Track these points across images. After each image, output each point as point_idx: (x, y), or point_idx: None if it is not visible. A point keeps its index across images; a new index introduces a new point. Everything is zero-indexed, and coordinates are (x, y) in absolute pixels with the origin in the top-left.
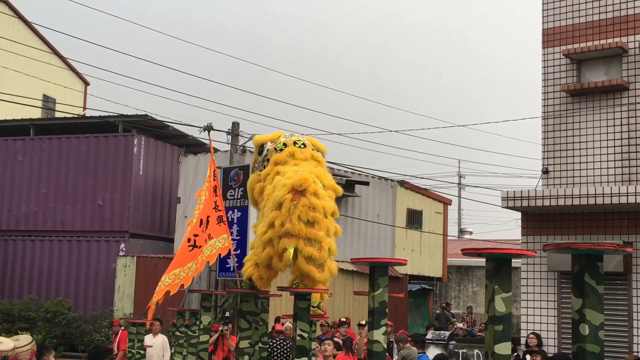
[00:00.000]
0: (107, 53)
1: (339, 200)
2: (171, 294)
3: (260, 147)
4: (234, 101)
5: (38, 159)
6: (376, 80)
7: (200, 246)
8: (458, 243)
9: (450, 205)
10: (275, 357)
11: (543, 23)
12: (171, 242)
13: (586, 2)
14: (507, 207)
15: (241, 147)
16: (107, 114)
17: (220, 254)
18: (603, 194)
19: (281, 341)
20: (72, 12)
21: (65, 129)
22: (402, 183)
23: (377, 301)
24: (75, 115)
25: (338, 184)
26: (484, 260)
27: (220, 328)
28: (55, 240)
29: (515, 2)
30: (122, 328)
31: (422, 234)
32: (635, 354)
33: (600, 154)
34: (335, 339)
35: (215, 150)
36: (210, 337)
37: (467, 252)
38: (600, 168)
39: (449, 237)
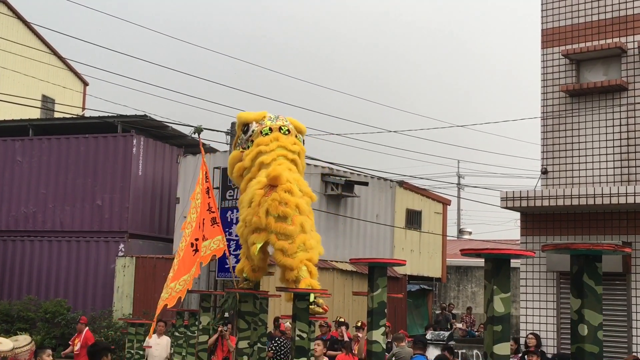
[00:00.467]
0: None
1: (338, 200)
2: (181, 300)
3: (245, 126)
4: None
5: (37, 160)
6: (375, 80)
7: (196, 250)
8: (457, 243)
9: (449, 205)
10: (280, 357)
11: (542, 23)
12: (170, 242)
13: (585, 3)
14: (506, 208)
15: None
16: (106, 114)
17: (215, 255)
18: (602, 194)
19: (285, 341)
20: (71, 13)
21: (65, 129)
22: (401, 183)
23: (376, 301)
24: (74, 116)
25: (337, 184)
26: (483, 260)
27: (219, 328)
28: (55, 240)
29: (514, 3)
30: (87, 328)
31: (421, 234)
32: (634, 354)
33: (600, 155)
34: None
35: (214, 150)
36: (210, 337)
37: (466, 253)
38: (600, 168)
39: (448, 238)
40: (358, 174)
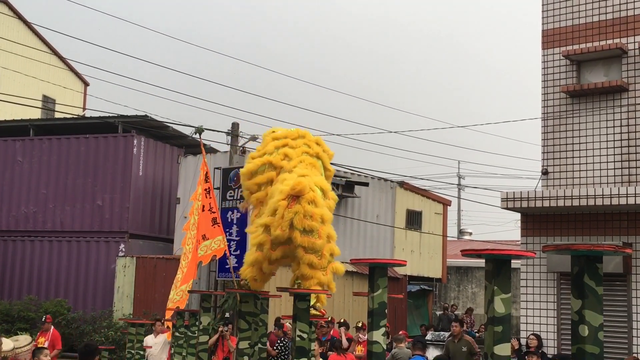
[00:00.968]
0: (107, 53)
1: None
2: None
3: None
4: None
5: (38, 160)
6: (376, 81)
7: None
8: (457, 244)
9: (449, 206)
10: (285, 357)
11: (543, 24)
12: (171, 242)
13: (586, 3)
14: (507, 208)
15: (241, 148)
16: (106, 114)
17: (215, 255)
18: (603, 195)
19: (288, 342)
20: (71, 13)
21: (65, 129)
22: (402, 184)
23: (377, 302)
24: (74, 116)
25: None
26: (484, 261)
27: (220, 329)
28: (55, 240)
29: (515, 3)
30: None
31: (422, 235)
32: (635, 355)
33: (600, 155)
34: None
35: (215, 150)
36: (210, 337)
37: (466, 253)
38: (600, 169)
39: (448, 238)
40: (358, 175)
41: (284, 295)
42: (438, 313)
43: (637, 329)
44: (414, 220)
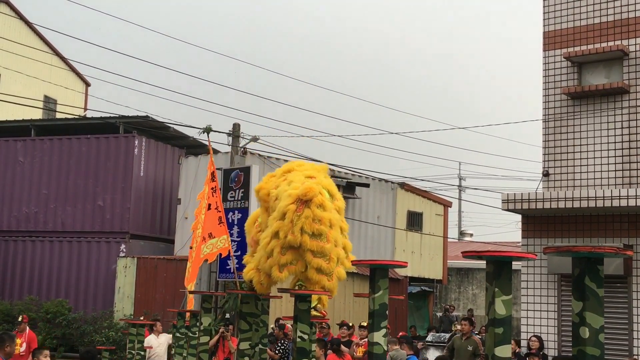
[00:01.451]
0: (108, 54)
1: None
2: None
3: None
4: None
5: (39, 160)
6: (377, 81)
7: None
8: (458, 245)
9: (450, 207)
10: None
11: (544, 26)
12: (171, 243)
13: (587, 5)
14: (508, 210)
15: (242, 149)
16: (108, 115)
17: (220, 254)
18: (604, 196)
19: (288, 344)
20: (73, 13)
21: (66, 129)
22: (403, 185)
23: (378, 303)
24: (76, 116)
25: (338, 185)
26: (484, 262)
27: (220, 329)
28: (56, 241)
29: (516, 4)
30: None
31: (423, 236)
32: (635, 357)
33: (601, 157)
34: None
35: (216, 151)
36: (211, 338)
37: (467, 255)
38: (601, 171)
39: (449, 240)
40: (359, 176)
41: (284, 296)
42: (439, 314)
43: (637, 331)
44: (414, 221)
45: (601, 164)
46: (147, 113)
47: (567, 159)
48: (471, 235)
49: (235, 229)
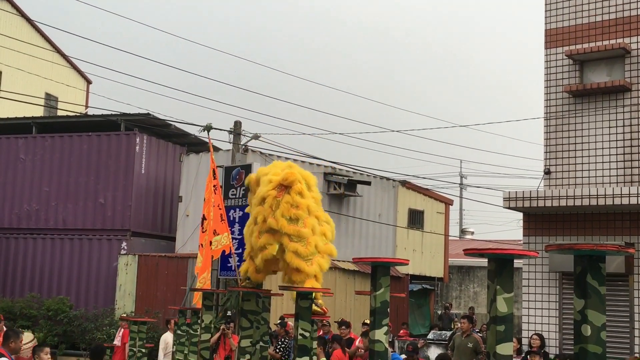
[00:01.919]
0: (110, 51)
1: (340, 199)
2: None
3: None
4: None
5: (40, 157)
6: (378, 79)
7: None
8: (459, 243)
9: (451, 205)
10: (286, 357)
11: (546, 23)
12: (173, 240)
13: (589, 3)
14: (509, 208)
15: (243, 146)
16: (109, 112)
17: (224, 251)
18: (605, 195)
19: (289, 341)
20: (74, 11)
21: (68, 127)
22: (404, 183)
23: (379, 301)
24: (77, 114)
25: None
26: (485, 260)
27: (222, 327)
28: (57, 238)
29: (518, 2)
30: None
31: (424, 234)
32: (637, 355)
33: (603, 155)
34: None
35: (217, 149)
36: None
37: (469, 253)
38: (603, 169)
39: (450, 238)
40: (361, 174)
41: (285, 293)
42: (439, 312)
43: (639, 329)
44: (416, 219)
45: (603, 162)
46: (149, 110)
47: (569, 157)
48: (472, 233)
49: (237, 227)
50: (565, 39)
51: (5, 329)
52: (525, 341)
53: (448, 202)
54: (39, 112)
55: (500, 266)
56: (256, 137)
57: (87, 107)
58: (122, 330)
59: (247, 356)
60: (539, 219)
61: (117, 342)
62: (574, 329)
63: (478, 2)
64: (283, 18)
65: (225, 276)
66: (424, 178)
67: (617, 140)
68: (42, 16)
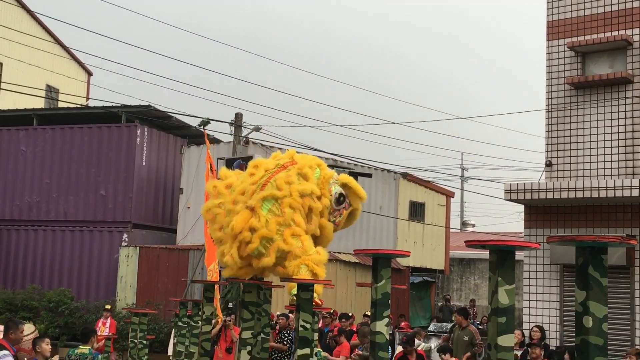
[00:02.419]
0: (111, 43)
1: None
2: None
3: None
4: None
5: (41, 149)
6: (379, 71)
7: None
8: (460, 235)
9: (452, 197)
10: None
11: (548, 15)
12: (174, 232)
13: None
14: (510, 200)
15: (244, 138)
16: (110, 104)
17: None
18: (607, 187)
19: (290, 332)
20: (75, 2)
21: (69, 119)
22: (405, 175)
23: (380, 292)
24: (78, 106)
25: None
26: (486, 252)
27: (222, 319)
28: (58, 230)
29: None
30: None
31: (425, 226)
32: (637, 347)
33: (604, 147)
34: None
35: (218, 141)
36: (213, 327)
37: (470, 244)
38: (604, 161)
39: (451, 230)
40: (362, 166)
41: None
42: (439, 304)
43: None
44: (417, 211)
45: (604, 154)
46: (150, 102)
47: (571, 149)
48: (473, 225)
49: None
50: (567, 31)
51: None
52: (525, 333)
53: (449, 195)
54: (39, 103)
55: (502, 258)
56: (257, 129)
57: (88, 98)
58: (110, 319)
59: (248, 348)
60: (540, 211)
61: (107, 332)
62: (575, 320)
63: None
64: (284, 9)
65: (225, 267)
66: (425, 170)
67: (618, 133)
68: (43, 8)
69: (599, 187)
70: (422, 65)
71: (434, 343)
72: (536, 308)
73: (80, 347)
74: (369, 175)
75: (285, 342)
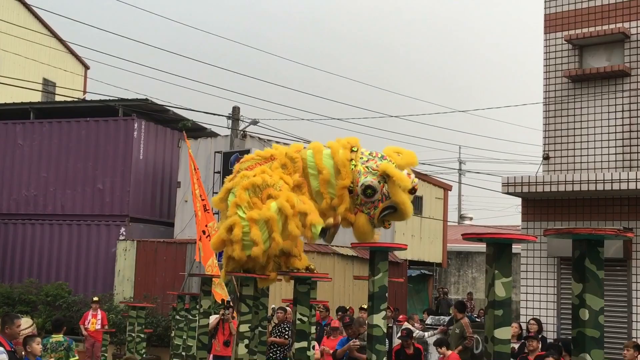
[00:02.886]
0: (108, 36)
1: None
2: None
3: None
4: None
5: (38, 143)
6: (376, 65)
7: (208, 235)
8: (458, 229)
9: (450, 191)
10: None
11: (545, 8)
12: (171, 226)
13: None
14: (508, 193)
15: (241, 132)
16: (107, 97)
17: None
18: (604, 180)
19: (288, 324)
20: None
21: (66, 112)
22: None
23: (377, 286)
24: (75, 99)
25: None
26: (484, 246)
27: (221, 312)
28: (56, 224)
29: None
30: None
31: (422, 220)
32: (634, 339)
33: (602, 140)
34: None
35: (216, 134)
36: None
37: (468, 237)
38: (601, 154)
39: (448, 223)
40: None
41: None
42: (436, 297)
43: (637, 314)
44: (414, 204)
45: (602, 147)
46: (147, 96)
47: (568, 142)
48: (471, 218)
49: None
50: (564, 24)
51: None
52: (523, 326)
53: (447, 188)
54: (36, 97)
55: (499, 251)
56: (254, 122)
57: (85, 92)
58: (100, 311)
59: (246, 341)
60: (538, 204)
61: (98, 324)
62: (572, 313)
63: None
64: (281, 2)
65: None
66: (422, 164)
67: (616, 126)
68: (39, 1)
69: (596, 180)
70: (420, 59)
71: (427, 333)
72: (533, 301)
73: (53, 336)
74: None
75: (285, 336)
